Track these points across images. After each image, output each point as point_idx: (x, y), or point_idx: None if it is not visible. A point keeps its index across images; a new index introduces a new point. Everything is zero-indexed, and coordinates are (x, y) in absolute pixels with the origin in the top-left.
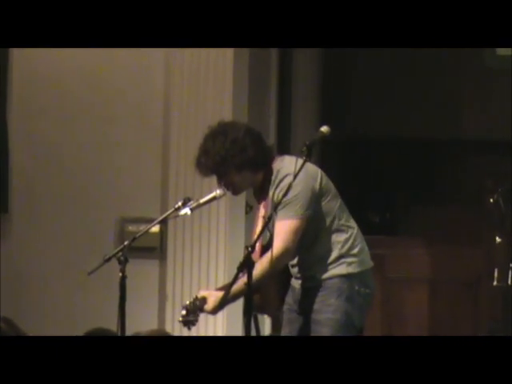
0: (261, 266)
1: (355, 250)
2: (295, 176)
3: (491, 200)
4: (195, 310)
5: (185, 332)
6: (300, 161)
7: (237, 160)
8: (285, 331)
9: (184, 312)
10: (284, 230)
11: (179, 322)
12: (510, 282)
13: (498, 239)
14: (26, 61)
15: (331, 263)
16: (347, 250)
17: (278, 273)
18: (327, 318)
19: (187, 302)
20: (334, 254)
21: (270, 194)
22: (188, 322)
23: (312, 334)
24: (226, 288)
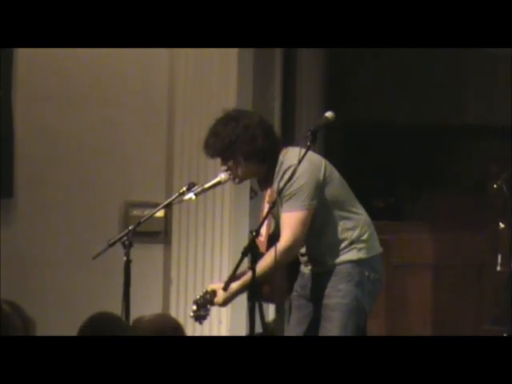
0: (270, 257)
1: (365, 236)
2: (299, 162)
3: (494, 185)
4: (206, 304)
5: (188, 318)
6: (303, 151)
7: (245, 148)
8: (293, 317)
9: (195, 307)
10: (292, 221)
11: (191, 317)
12: None
13: (501, 225)
14: (32, 49)
15: (341, 249)
16: (357, 236)
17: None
18: (337, 302)
19: (197, 297)
20: (344, 241)
21: (275, 185)
22: (199, 316)
23: (322, 319)
24: (230, 274)
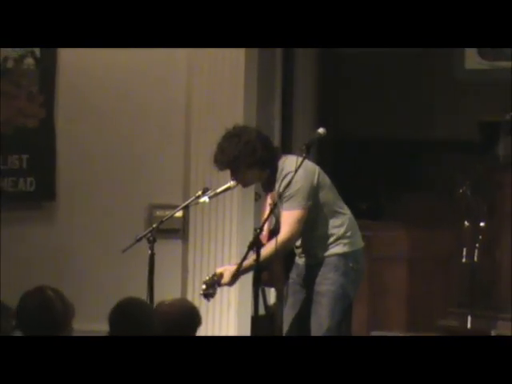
0: (270, 247)
1: (349, 233)
2: (296, 171)
3: (460, 191)
4: (214, 284)
5: (203, 302)
6: (300, 159)
7: (248, 159)
8: (289, 301)
9: (204, 286)
10: (290, 218)
11: (200, 294)
12: (475, 258)
13: (466, 223)
14: (72, 73)
15: (330, 244)
16: (343, 232)
17: (284, 253)
18: (326, 289)
19: (207, 278)
20: (332, 237)
21: (276, 187)
22: (208, 294)
23: (313, 303)
24: (238, 263)
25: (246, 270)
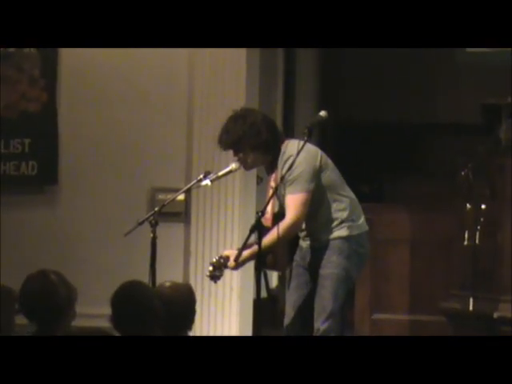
0: (277, 232)
1: (353, 216)
2: (298, 153)
3: (462, 174)
4: (220, 266)
5: (205, 286)
6: (302, 143)
7: (252, 141)
8: (293, 283)
9: (211, 268)
10: (295, 202)
11: (207, 276)
12: (477, 241)
13: (468, 206)
14: (74, 58)
15: (334, 227)
16: (347, 216)
17: (291, 237)
18: (330, 272)
19: (214, 260)
20: (336, 220)
21: (279, 171)
22: (214, 276)
23: (317, 286)
24: (240, 247)
25: (253, 256)
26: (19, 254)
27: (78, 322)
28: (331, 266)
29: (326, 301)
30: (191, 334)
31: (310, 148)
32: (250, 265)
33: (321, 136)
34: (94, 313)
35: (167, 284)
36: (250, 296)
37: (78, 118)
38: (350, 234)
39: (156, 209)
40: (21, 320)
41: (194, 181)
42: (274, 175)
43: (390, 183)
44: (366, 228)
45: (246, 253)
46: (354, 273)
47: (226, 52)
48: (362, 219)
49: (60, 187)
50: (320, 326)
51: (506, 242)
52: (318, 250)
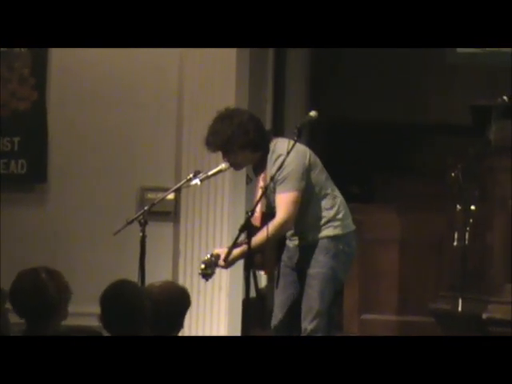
0: (267, 231)
1: (340, 215)
2: (288, 153)
3: (452, 175)
4: (211, 264)
5: (195, 285)
6: (291, 142)
7: (240, 141)
8: (280, 283)
9: (203, 266)
10: (285, 201)
11: (199, 274)
12: (466, 242)
13: (457, 207)
14: (64, 57)
15: (321, 226)
16: (334, 215)
17: (281, 236)
18: (317, 271)
19: (205, 258)
20: (323, 219)
21: (268, 170)
22: (206, 274)
23: (305, 285)
24: (229, 246)
25: (243, 255)
26: (8, 252)
27: (67, 321)
28: (318, 265)
29: (313, 300)
30: (180, 333)
31: (299, 147)
32: (239, 264)
33: (310, 136)
34: (83, 311)
35: (157, 284)
36: (239, 295)
37: (68, 117)
38: (337, 233)
39: (145, 208)
40: (13, 319)
41: (184, 180)
42: (263, 175)
43: (380, 184)
44: (353, 227)
45: (235, 252)
46: (341, 272)
47: (216, 52)
48: (349, 219)
49: (49, 186)
50: (307, 325)
51: (496, 243)
52: (305, 250)
